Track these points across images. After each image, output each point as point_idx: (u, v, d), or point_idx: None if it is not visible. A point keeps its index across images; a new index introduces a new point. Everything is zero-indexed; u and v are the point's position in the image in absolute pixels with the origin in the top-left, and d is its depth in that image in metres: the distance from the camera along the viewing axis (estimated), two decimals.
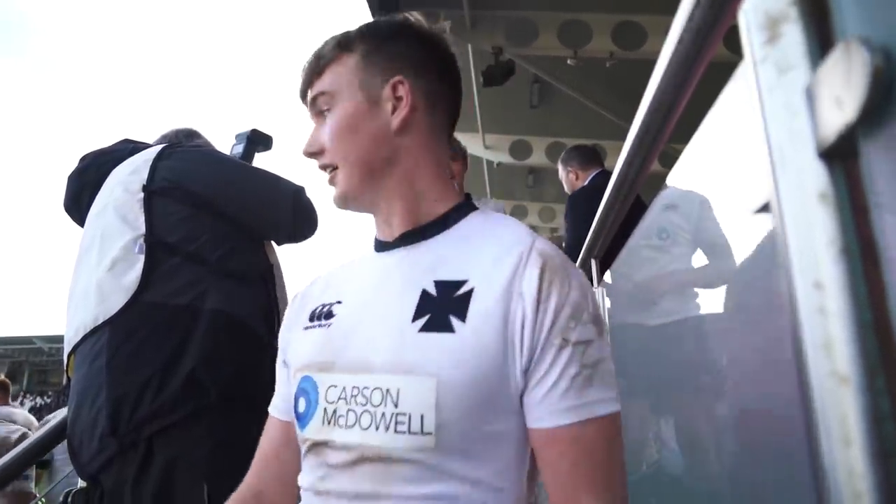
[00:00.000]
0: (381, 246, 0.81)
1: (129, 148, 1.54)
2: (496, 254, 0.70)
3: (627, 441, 0.63)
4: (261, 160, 1.80)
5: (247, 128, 1.79)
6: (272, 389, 1.12)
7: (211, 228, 1.38)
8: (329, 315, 0.79)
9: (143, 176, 1.40)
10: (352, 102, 0.77)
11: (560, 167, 3.10)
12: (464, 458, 0.64)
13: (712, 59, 0.66)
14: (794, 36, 0.36)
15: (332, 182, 0.80)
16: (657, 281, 1.04)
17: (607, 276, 1.41)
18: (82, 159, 1.57)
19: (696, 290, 0.80)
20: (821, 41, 0.35)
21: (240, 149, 1.75)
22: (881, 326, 0.32)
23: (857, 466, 0.31)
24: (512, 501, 0.67)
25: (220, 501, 0.87)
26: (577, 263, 1.71)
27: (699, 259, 0.76)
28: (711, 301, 0.72)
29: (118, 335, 1.24)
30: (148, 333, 1.24)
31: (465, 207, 0.79)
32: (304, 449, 0.75)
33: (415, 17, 0.85)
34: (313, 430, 0.72)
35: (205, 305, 1.28)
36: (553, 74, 5.35)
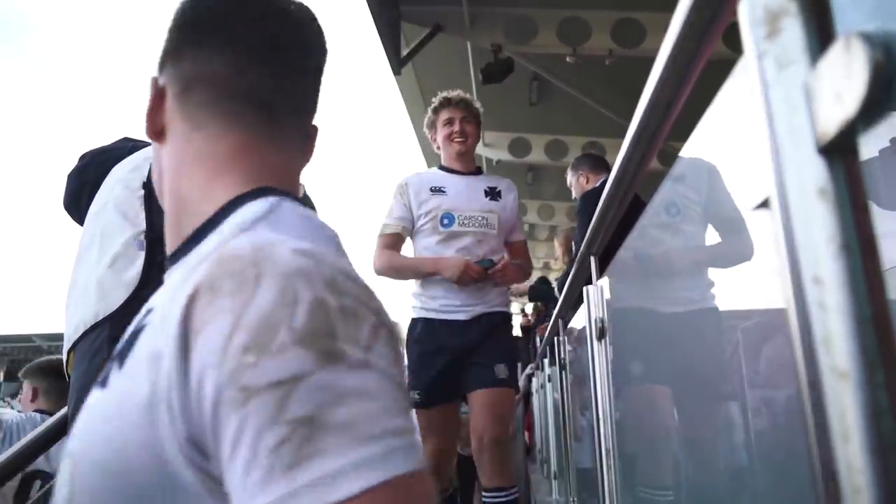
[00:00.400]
0: None
1: (128, 146, 1.54)
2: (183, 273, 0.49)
3: (630, 438, 0.63)
4: None
5: None
6: None
7: None
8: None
9: (144, 173, 1.41)
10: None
11: (570, 174, 3.25)
12: None
13: (711, 56, 0.66)
14: (793, 31, 0.36)
15: None
16: (663, 266, 1.03)
17: (607, 274, 1.42)
18: (82, 158, 1.57)
19: (704, 276, 0.80)
20: (821, 36, 0.35)
21: None
22: (880, 322, 0.33)
23: (856, 462, 0.31)
24: None
25: None
26: (576, 262, 1.71)
27: (711, 237, 0.75)
28: (717, 292, 0.71)
29: (119, 331, 1.24)
30: None
31: (232, 205, 0.54)
32: None
33: None
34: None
35: None
36: (552, 72, 5.34)
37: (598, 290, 1.40)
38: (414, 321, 2.30)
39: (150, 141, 0.68)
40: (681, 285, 0.88)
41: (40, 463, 2.16)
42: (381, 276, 2.31)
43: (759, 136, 0.39)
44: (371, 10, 4.22)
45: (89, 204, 1.48)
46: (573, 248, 3.25)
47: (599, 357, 1.35)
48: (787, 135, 0.36)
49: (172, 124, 0.59)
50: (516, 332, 6.49)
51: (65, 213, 1.61)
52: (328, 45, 0.66)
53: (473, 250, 2.24)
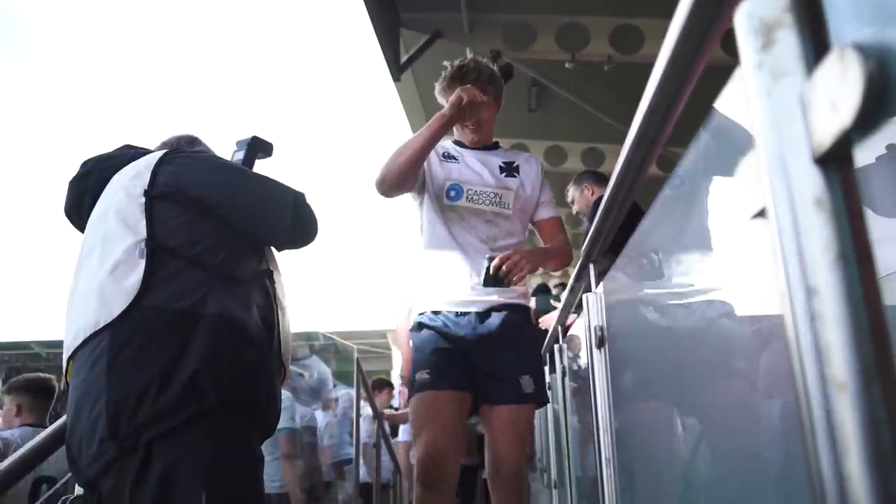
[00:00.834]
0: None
1: (130, 153, 1.55)
2: None
3: (621, 449, 0.63)
4: (261, 167, 1.80)
5: (248, 134, 1.79)
6: (272, 395, 1.12)
7: (212, 233, 1.38)
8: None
9: (145, 180, 1.41)
10: None
11: (573, 188, 3.30)
12: None
13: (710, 61, 0.66)
14: (788, 42, 0.36)
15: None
16: (661, 276, 1.04)
17: (605, 283, 1.42)
18: (84, 164, 1.58)
19: (695, 293, 0.80)
20: (815, 47, 0.35)
21: (241, 155, 1.75)
22: (877, 332, 0.32)
23: (855, 473, 0.31)
24: None
25: None
26: (576, 269, 1.71)
27: (698, 260, 0.76)
28: (710, 304, 0.72)
29: (119, 339, 1.24)
30: (149, 338, 1.24)
31: None
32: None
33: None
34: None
35: (206, 310, 1.28)
36: (551, 78, 5.35)
37: (598, 298, 1.40)
38: (418, 316, 2.00)
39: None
40: (679, 294, 0.88)
41: (48, 468, 2.16)
42: (385, 173, 1.88)
43: (755, 145, 0.39)
44: (370, 16, 4.23)
45: (90, 211, 1.48)
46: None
47: (599, 365, 1.35)
48: (783, 144, 0.36)
49: None
50: None
51: (65, 219, 1.62)
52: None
53: (483, 231, 1.94)
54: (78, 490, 1.48)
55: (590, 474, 1.82)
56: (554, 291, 4.55)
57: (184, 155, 1.52)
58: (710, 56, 0.65)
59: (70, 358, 1.32)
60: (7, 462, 1.56)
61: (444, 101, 2.00)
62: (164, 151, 1.51)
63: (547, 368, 3.27)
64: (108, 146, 1.68)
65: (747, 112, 0.40)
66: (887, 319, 0.33)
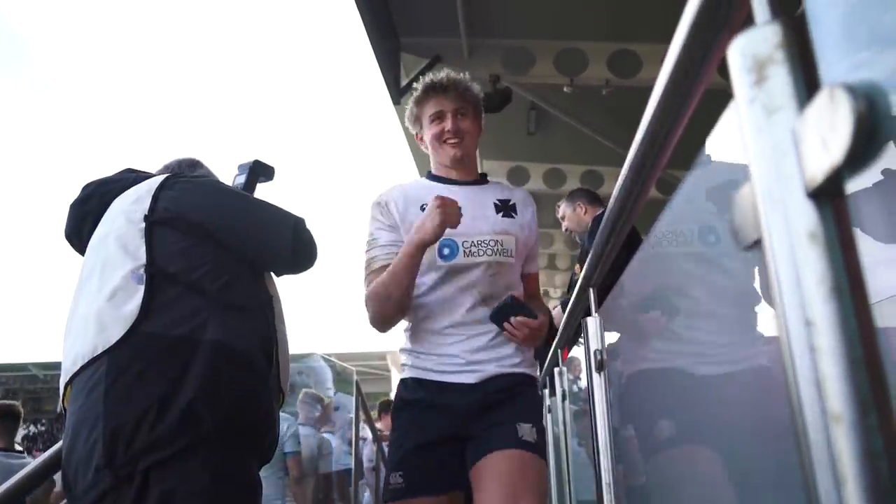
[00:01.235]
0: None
1: (131, 177, 1.55)
2: None
3: (622, 473, 0.63)
4: (263, 190, 1.81)
5: (249, 158, 1.81)
6: (270, 420, 1.11)
7: (212, 259, 1.39)
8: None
9: (146, 206, 1.42)
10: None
11: (565, 205, 3.26)
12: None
13: (710, 85, 0.67)
14: (780, 78, 0.37)
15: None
16: (654, 313, 1.04)
17: (605, 306, 1.42)
18: (85, 188, 1.58)
19: (691, 325, 0.80)
20: (807, 84, 0.36)
21: (242, 179, 1.77)
22: (872, 363, 0.33)
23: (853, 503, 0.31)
24: None
25: None
26: (575, 293, 1.71)
27: (695, 295, 0.76)
28: (708, 338, 0.72)
29: (116, 366, 1.23)
30: (146, 364, 1.23)
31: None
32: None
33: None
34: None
35: (204, 336, 1.28)
36: (550, 101, 5.40)
37: (597, 322, 1.40)
38: (403, 382, 1.67)
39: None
40: (676, 324, 0.89)
41: None
42: (379, 318, 1.63)
43: (749, 178, 0.39)
44: (371, 40, 4.28)
45: (91, 234, 1.48)
46: (575, 273, 3.28)
47: (599, 389, 1.35)
48: (776, 179, 0.37)
49: None
50: None
51: (65, 241, 1.62)
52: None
53: (486, 287, 1.60)
54: None
55: (591, 499, 1.81)
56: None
57: (185, 180, 1.53)
58: (705, 86, 0.66)
59: (68, 383, 1.32)
60: (3, 488, 1.55)
61: (416, 128, 1.76)
62: (165, 176, 1.52)
63: (547, 391, 3.25)
64: (107, 165, 1.71)
65: (741, 145, 0.41)
66: (882, 351, 0.33)
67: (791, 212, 0.35)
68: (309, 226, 1.55)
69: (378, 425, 5.28)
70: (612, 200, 1.13)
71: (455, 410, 1.54)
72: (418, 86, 1.72)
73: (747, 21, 0.43)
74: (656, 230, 0.97)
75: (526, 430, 1.51)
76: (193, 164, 1.74)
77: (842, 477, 0.32)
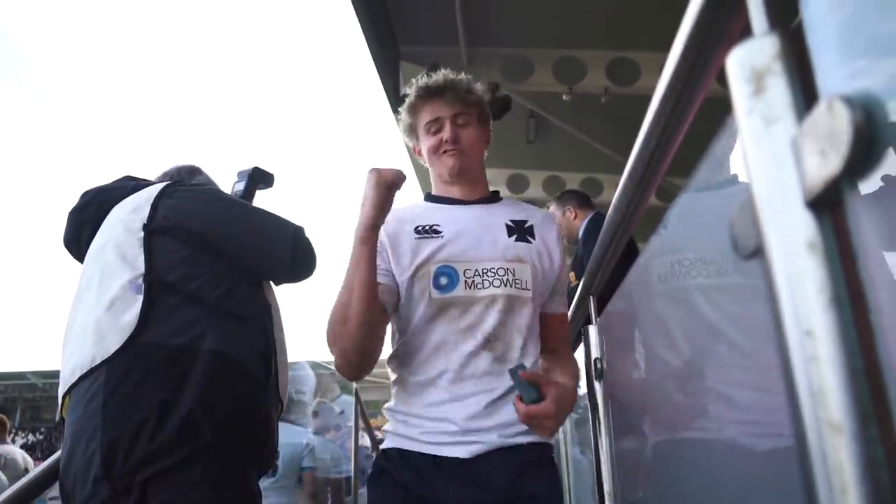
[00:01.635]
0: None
1: (130, 185, 1.55)
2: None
3: (622, 481, 0.62)
4: (262, 197, 1.82)
5: (248, 165, 1.81)
6: (269, 431, 1.10)
7: (210, 267, 1.38)
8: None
9: (144, 215, 1.41)
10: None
11: (554, 207, 3.18)
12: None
13: (709, 93, 0.67)
14: (778, 89, 0.38)
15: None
16: (654, 322, 1.04)
17: (605, 313, 1.42)
18: (83, 196, 1.58)
19: (691, 334, 0.80)
20: (805, 95, 0.36)
21: (241, 186, 1.77)
22: (872, 373, 0.33)
23: None
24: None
25: None
26: (574, 301, 1.71)
27: (694, 304, 0.76)
28: (708, 347, 0.72)
29: (115, 376, 1.23)
30: (145, 375, 1.23)
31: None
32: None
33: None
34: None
35: (203, 346, 1.27)
36: (549, 109, 5.42)
37: (598, 330, 1.40)
38: (383, 452, 1.28)
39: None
40: (675, 336, 0.89)
41: None
42: (343, 356, 1.22)
43: (749, 187, 0.39)
44: (370, 49, 4.30)
45: (89, 242, 1.48)
46: (570, 281, 3.23)
47: (599, 397, 1.34)
48: (775, 189, 0.37)
49: None
50: None
51: (64, 249, 1.62)
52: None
53: (493, 329, 1.24)
54: None
55: None
56: None
57: (184, 188, 1.53)
58: (704, 96, 0.66)
59: (66, 393, 1.31)
60: (2, 497, 1.54)
61: (413, 139, 1.48)
62: (164, 184, 1.52)
63: None
64: (105, 170, 1.70)
65: (741, 154, 0.41)
66: (882, 361, 0.33)
67: (790, 221, 0.35)
68: (308, 234, 1.55)
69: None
70: (611, 209, 1.13)
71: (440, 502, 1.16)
72: (411, 90, 1.44)
73: (745, 32, 0.43)
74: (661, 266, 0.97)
75: None
76: (193, 171, 1.74)
77: (842, 487, 0.32)
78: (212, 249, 1.41)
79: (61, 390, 1.33)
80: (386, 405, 1.32)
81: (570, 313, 1.89)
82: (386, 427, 1.30)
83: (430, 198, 1.45)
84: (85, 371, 1.25)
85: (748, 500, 0.63)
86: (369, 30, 4.17)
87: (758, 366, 0.56)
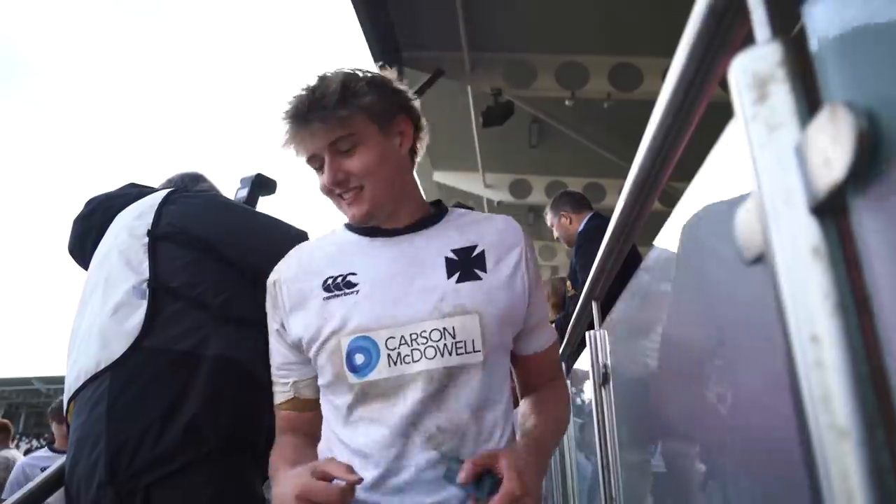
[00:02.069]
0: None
1: (134, 192, 1.56)
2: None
3: (627, 487, 0.62)
4: (265, 204, 1.82)
5: (251, 172, 1.81)
6: (273, 436, 1.10)
7: (214, 273, 1.39)
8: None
9: (149, 221, 1.42)
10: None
11: (549, 214, 3.10)
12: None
13: (712, 98, 0.68)
14: (782, 96, 0.38)
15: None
16: (659, 327, 1.04)
17: (609, 319, 1.42)
18: (88, 203, 1.59)
19: (696, 339, 0.80)
20: (808, 101, 0.37)
21: (244, 193, 1.77)
22: (878, 379, 0.33)
23: None
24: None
25: None
26: (578, 306, 1.71)
27: (699, 309, 0.76)
28: (714, 352, 0.72)
29: (119, 382, 1.23)
30: (149, 380, 1.23)
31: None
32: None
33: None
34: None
35: (207, 351, 1.28)
36: (551, 115, 5.43)
37: (601, 336, 1.40)
38: None
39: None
40: (679, 341, 0.89)
41: None
42: None
43: (752, 195, 0.40)
44: (373, 55, 4.32)
45: (94, 249, 1.49)
46: (567, 290, 3.19)
47: (603, 403, 1.34)
48: (779, 195, 0.37)
49: None
50: None
51: (68, 256, 1.63)
52: None
53: (432, 417, 0.94)
54: None
55: None
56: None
57: (188, 195, 1.53)
58: (706, 103, 0.67)
59: (71, 399, 1.32)
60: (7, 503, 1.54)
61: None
62: (168, 190, 1.53)
63: None
64: (108, 177, 1.70)
65: (744, 161, 0.41)
66: (888, 366, 0.33)
67: (795, 228, 0.35)
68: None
69: None
70: (615, 216, 1.13)
71: None
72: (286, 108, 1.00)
73: (748, 40, 0.44)
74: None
75: None
76: (196, 178, 1.75)
77: (849, 492, 0.32)
78: (215, 255, 1.41)
79: (66, 396, 1.33)
80: None
81: (573, 318, 1.89)
82: None
83: (350, 226, 1.09)
84: (90, 377, 1.26)
85: (756, 502, 0.62)
86: (372, 36, 4.18)
87: (764, 371, 0.57)
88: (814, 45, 0.37)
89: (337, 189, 1.00)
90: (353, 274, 1.00)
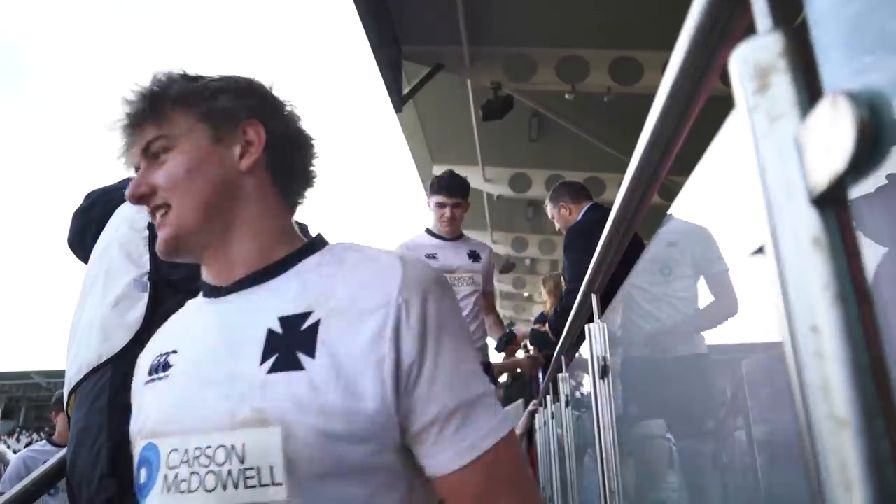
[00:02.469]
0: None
1: None
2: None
3: (637, 474, 0.63)
4: None
5: None
6: None
7: None
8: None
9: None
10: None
11: (549, 205, 3.11)
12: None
13: (712, 92, 0.68)
14: (782, 86, 0.38)
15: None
16: (659, 319, 1.04)
17: (608, 312, 1.42)
18: (88, 196, 1.59)
19: (696, 328, 0.81)
20: (809, 92, 0.36)
21: None
22: (878, 369, 0.33)
23: None
24: None
25: None
26: (577, 299, 1.71)
27: (701, 297, 0.76)
28: (713, 341, 0.72)
29: (120, 374, 1.24)
30: None
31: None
32: None
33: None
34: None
35: None
36: (551, 108, 5.43)
37: (600, 328, 1.40)
38: None
39: None
40: (681, 332, 0.89)
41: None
42: None
43: (752, 186, 0.40)
44: (373, 49, 4.30)
45: (94, 242, 1.49)
46: (563, 288, 3.17)
47: (602, 395, 1.35)
48: (779, 186, 0.37)
49: None
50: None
51: (68, 250, 1.63)
52: None
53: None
54: None
55: None
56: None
57: None
58: (707, 94, 0.67)
59: (72, 391, 1.32)
60: (7, 495, 1.55)
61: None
62: None
63: (550, 397, 3.25)
64: (106, 177, 1.69)
65: (744, 151, 0.41)
66: (888, 357, 0.33)
67: (795, 218, 0.35)
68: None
69: None
70: (614, 209, 1.13)
71: None
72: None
73: (749, 30, 0.43)
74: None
75: None
76: None
77: (848, 482, 0.32)
78: None
79: (67, 388, 1.33)
80: None
81: (574, 311, 1.89)
82: None
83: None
84: (91, 369, 1.26)
85: (753, 496, 0.63)
86: (372, 29, 4.17)
87: (764, 361, 0.57)
88: (815, 35, 0.37)
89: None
90: (175, 352, 0.76)
